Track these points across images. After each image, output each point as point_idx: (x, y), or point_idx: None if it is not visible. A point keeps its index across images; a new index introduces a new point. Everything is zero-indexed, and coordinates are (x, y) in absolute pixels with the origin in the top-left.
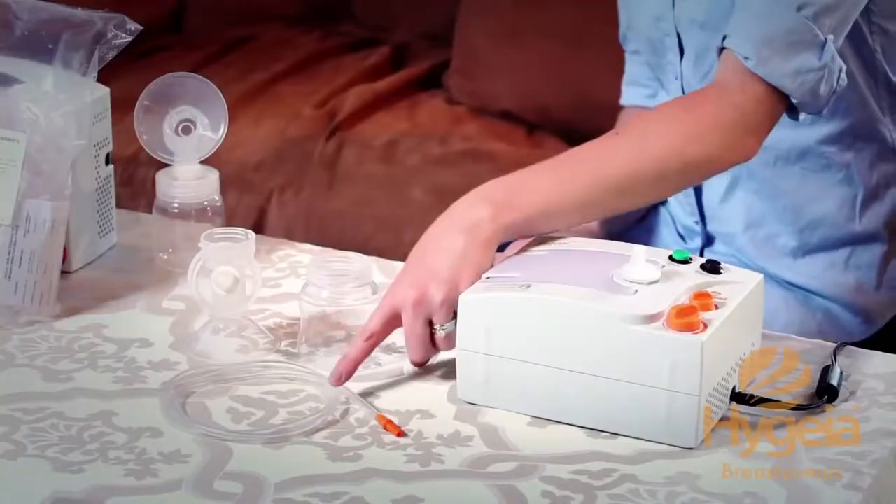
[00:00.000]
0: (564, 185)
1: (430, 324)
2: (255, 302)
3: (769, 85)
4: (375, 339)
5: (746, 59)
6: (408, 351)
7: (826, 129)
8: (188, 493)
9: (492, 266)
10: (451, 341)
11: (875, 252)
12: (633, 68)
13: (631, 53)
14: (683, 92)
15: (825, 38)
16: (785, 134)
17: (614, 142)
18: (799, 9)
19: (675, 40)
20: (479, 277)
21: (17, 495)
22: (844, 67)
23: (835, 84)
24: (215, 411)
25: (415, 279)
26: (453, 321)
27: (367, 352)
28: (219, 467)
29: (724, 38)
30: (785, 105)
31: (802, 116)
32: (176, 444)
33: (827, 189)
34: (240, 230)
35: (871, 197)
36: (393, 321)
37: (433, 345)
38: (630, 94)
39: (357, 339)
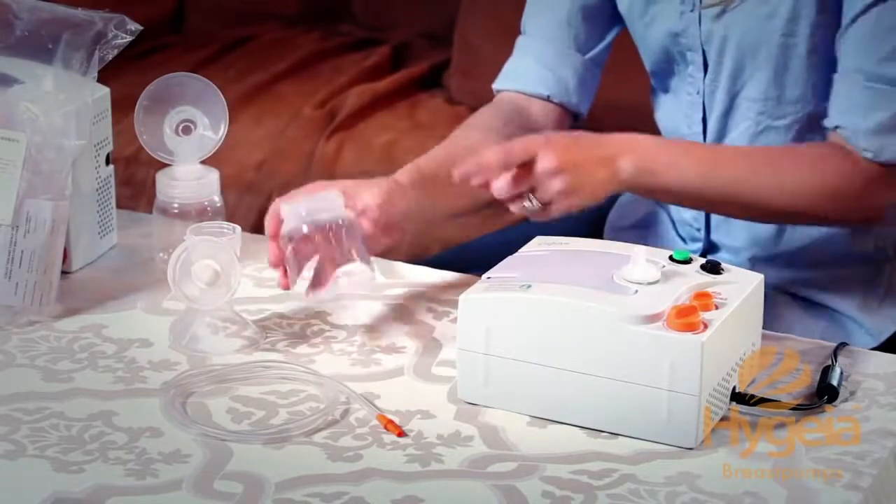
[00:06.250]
0: (701, 179)
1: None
2: (256, 301)
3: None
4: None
5: (865, 150)
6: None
7: None
8: (188, 493)
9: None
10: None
11: (880, 268)
12: (536, 56)
13: (538, 38)
14: (705, 108)
15: None
16: None
17: (760, 163)
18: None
19: (700, 56)
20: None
21: (17, 495)
22: None
23: None
24: (215, 411)
25: None
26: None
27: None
28: (219, 467)
29: (835, 128)
30: None
31: None
32: (176, 444)
33: None
34: (227, 225)
35: None
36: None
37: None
38: (520, 82)
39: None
